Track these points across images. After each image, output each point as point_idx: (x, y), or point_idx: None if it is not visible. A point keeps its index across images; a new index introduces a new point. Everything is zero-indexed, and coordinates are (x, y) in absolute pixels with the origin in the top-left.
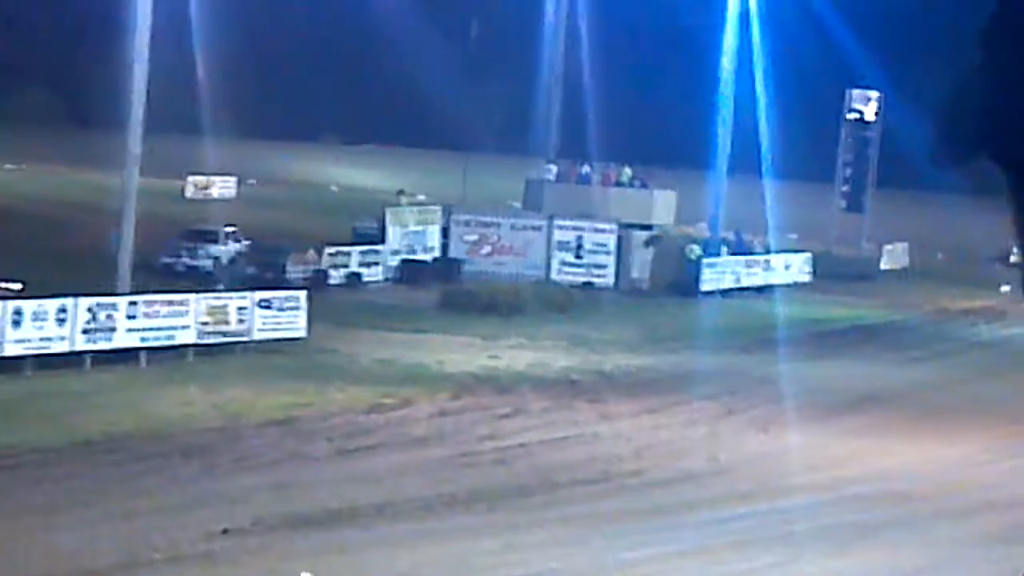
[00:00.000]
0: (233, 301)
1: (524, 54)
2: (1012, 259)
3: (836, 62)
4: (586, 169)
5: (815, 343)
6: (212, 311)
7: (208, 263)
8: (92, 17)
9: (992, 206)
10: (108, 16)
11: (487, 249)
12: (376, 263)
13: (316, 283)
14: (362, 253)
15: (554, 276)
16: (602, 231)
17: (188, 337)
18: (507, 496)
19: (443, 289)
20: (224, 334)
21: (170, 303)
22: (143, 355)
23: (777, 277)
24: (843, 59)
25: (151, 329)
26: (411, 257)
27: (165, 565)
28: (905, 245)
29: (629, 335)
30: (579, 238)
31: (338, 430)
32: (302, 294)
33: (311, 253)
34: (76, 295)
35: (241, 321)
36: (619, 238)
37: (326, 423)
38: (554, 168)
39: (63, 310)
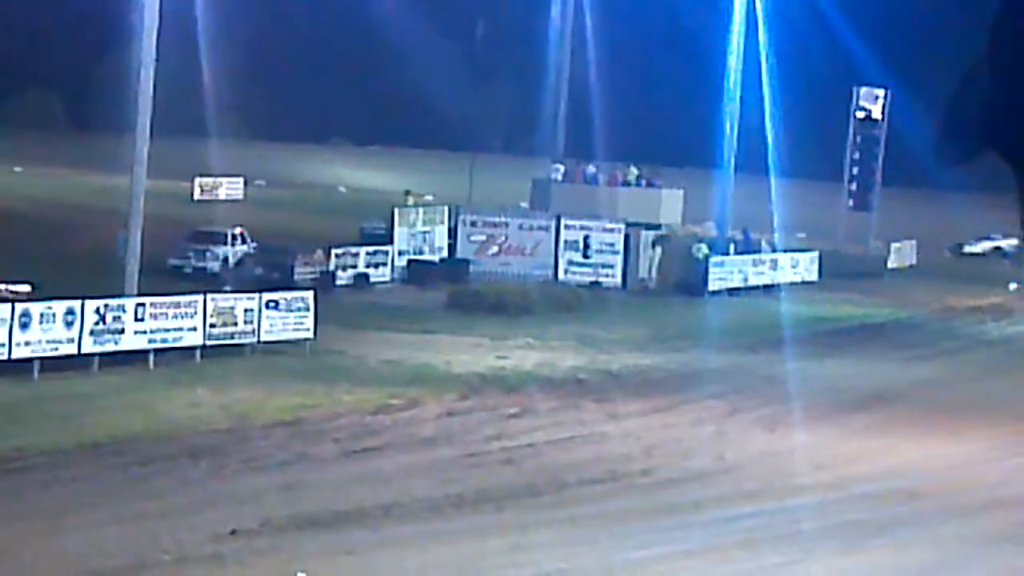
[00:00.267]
0: (241, 302)
1: (530, 55)
2: (966, 249)
3: (843, 60)
4: (592, 169)
5: (822, 342)
6: (220, 312)
7: (215, 264)
8: (91, 19)
9: (999, 203)
10: (108, 18)
11: (494, 249)
12: (383, 264)
13: (323, 284)
14: (369, 254)
15: (561, 276)
16: (609, 231)
17: (196, 339)
18: (515, 496)
19: (451, 289)
20: (232, 335)
21: (178, 305)
22: (151, 357)
23: (784, 276)
24: (850, 57)
25: (159, 331)
26: (418, 258)
27: (173, 567)
28: (913, 243)
29: (637, 334)
30: (586, 238)
31: (346, 431)
32: (309, 295)
33: (318, 254)
34: (84, 297)
35: (248, 322)
36: (626, 237)
37: (334, 424)
38: (561, 168)
39: (71, 312)
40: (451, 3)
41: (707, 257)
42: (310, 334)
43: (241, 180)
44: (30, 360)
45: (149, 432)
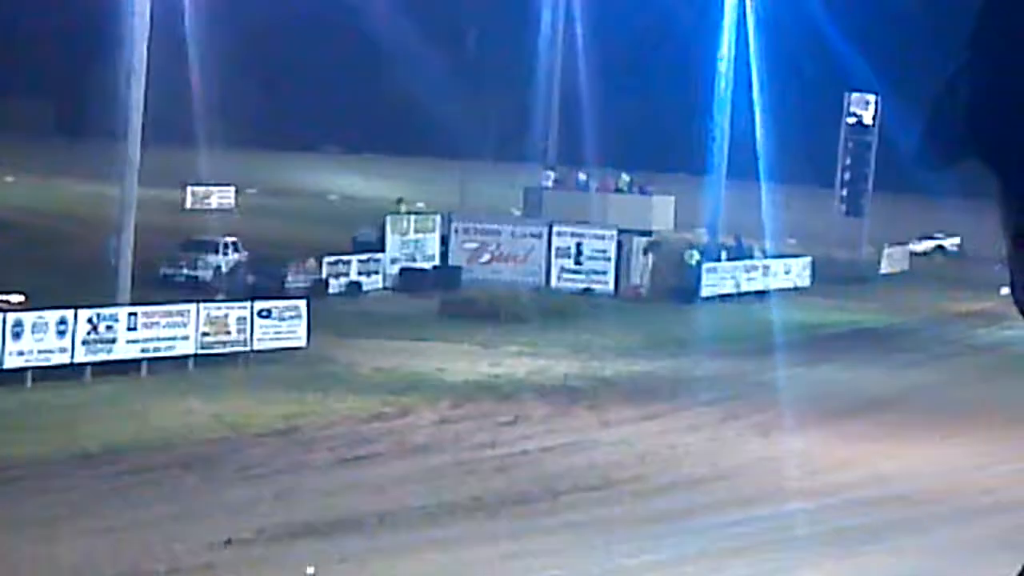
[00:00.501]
0: (233, 311)
1: (521, 62)
2: (910, 248)
3: (834, 66)
4: (584, 176)
5: (815, 347)
6: (212, 321)
7: (208, 273)
8: (82, 27)
9: (989, 208)
10: (98, 26)
11: (487, 257)
12: (376, 272)
13: (316, 292)
14: (362, 262)
15: (554, 283)
16: (601, 237)
17: (188, 347)
18: (508, 504)
19: (443, 297)
20: (224, 344)
21: (170, 314)
22: (143, 366)
23: (777, 282)
24: (841, 63)
25: (151, 340)
26: (411, 265)
27: None
28: (905, 248)
29: (629, 341)
30: (578, 245)
31: (339, 439)
32: (302, 303)
33: (311, 262)
34: (76, 307)
35: (241, 331)
36: (618, 244)
37: (327, 432)
38: (552, 175)
39: (63, 322)
40: (442, 11)
41: (699, 263)
42: (303, 342)
43: (232, 189)
44: (23, 370)
45: (142, 441)
